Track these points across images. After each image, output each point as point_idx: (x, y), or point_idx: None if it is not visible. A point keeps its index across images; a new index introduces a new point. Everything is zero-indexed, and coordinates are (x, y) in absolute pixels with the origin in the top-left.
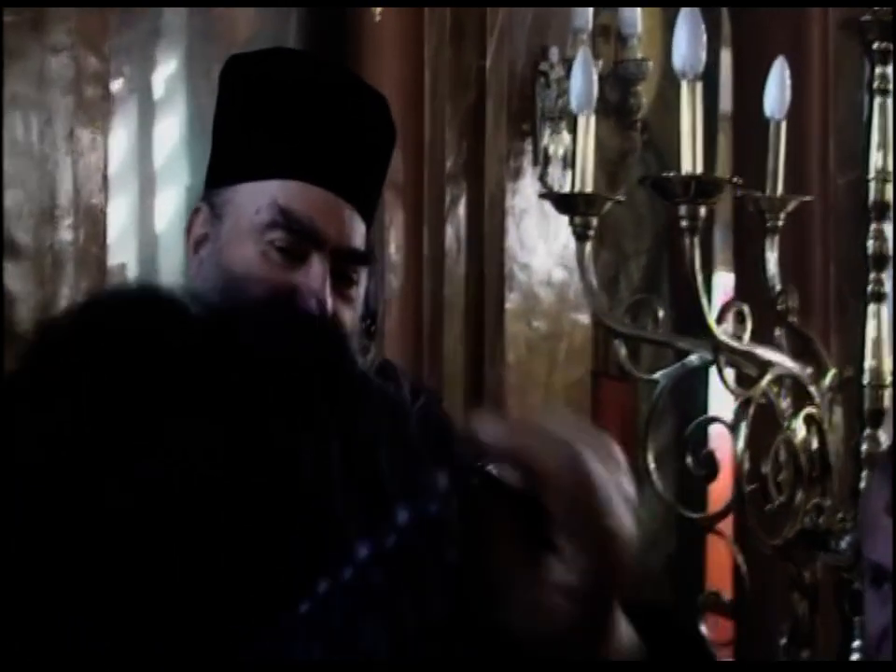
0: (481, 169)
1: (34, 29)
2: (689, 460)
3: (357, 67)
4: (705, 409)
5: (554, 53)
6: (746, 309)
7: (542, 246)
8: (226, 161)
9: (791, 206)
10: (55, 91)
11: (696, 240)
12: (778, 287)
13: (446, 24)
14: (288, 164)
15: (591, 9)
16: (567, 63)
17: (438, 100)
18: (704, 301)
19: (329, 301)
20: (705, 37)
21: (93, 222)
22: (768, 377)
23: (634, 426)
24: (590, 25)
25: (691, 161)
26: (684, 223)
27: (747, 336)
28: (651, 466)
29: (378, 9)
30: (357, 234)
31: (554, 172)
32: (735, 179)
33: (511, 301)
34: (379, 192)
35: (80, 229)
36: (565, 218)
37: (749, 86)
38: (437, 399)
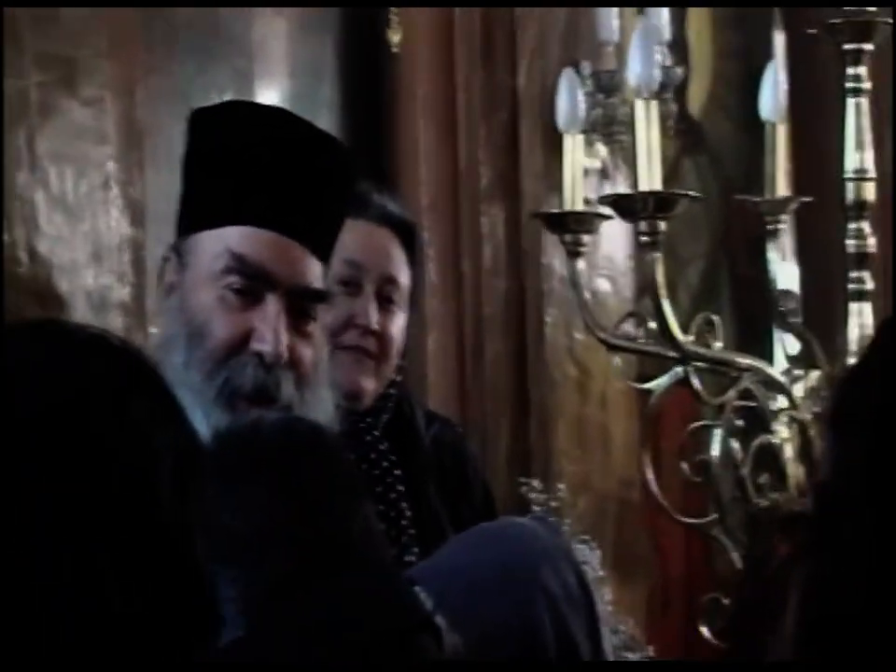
0: (517, 186)
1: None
2: (684, 467)
3: (390, 94)
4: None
5: (586, 67)
6: (716, 318)
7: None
8: (190, 210)
9: (792, 208)
10: (89, 142)
11: (659, 254)
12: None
13: (476, 45)
14: (241, 211)
15: (616, 21)
16: (596, 77)
17: (471, 121)
18: (668, 311)
19: (285, 338)
20: (658, 56)
21: (134, 269)
22: (745, 383)
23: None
24: (616, 37)
25: (648, 177)
26: (645, 238)
27: (718, 344)
28: (649, 475)
29: (396, 38)
30: (312, 273)
31: (590, 185)
32: (691, 193)
33: (551, 315)
34: (334, 232)
35: (121, 275)
36: (606, 229)
37: None
38: (451, 425)
